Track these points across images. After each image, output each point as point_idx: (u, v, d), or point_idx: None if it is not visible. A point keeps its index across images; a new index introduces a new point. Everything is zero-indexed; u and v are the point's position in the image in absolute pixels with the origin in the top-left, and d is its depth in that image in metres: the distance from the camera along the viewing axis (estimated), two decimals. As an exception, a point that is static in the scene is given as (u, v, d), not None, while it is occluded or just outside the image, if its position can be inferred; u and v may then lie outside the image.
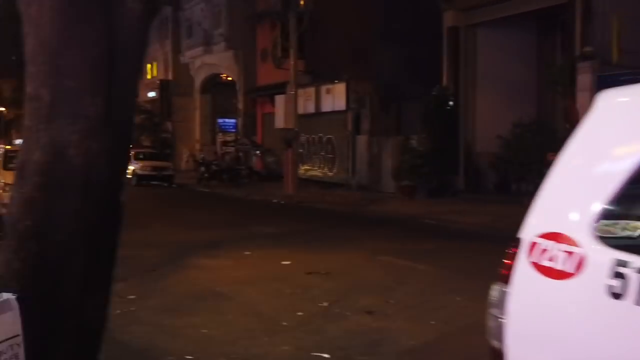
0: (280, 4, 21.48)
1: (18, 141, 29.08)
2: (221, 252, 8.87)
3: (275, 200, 18.14)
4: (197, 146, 34.09)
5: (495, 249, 2.77)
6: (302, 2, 19.61)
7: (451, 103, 17.40)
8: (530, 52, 19.10)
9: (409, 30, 24.93)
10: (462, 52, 17.57)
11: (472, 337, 4.13)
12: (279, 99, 19.92)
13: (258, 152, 26.62)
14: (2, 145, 19.33)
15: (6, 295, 1.77)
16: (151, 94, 36.81)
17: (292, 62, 19.58)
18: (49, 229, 2.52)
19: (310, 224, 12.71)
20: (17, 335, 1.66)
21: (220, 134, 30.64)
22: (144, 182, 24.03)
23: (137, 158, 25.23)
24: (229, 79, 31.25)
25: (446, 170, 17.17)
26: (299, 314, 5.39)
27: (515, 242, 2.05)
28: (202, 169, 24.53)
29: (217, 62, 30.78)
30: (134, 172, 24.34)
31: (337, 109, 21.38)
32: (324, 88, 21.96)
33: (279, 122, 19.84)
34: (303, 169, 22.64)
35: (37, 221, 2.52)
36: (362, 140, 20.42)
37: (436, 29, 24.31)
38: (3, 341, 1.61)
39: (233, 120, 29.21)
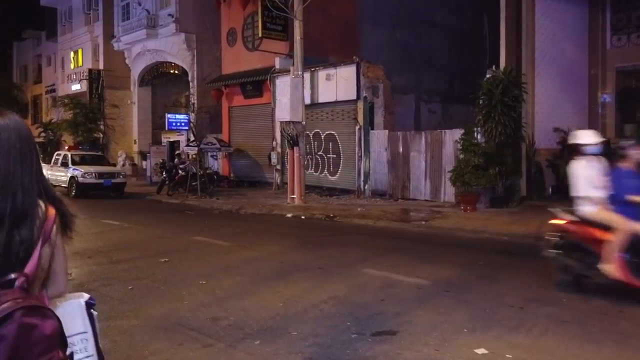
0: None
1: None
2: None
3: (289, 215, 12.86)
4: (135, 147, 27.58)
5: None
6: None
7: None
8: (582, 29, 15.35)
9: (400, 11, 20.69)
10: (524, 26, 13.33)
11: None
12: (282, 85, 14.69)
13: (225, 153, 20.94)
14: None
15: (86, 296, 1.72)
16: (75, 87, 29.54)
17: (298, 37, 14.34)
18: None
19: (407, 255, 7.72)
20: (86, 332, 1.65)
21: (168, 132, 24.38)
22: (86, 192, 17.54)
23: (74, 162, 18.63)
24: (176, 70, 25.14)
25: (511, 171, 12.90)
26: None
27: None
28: (164, 175, 18.53)
29: (162, 48, 24.56)
30: (72, 180, 17.81)
31: (341, 98, 16.43)
32: (322, 74, 16.87)
33: (282, 114, 14.61)
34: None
35: None
36: (379, 135, 15.60)
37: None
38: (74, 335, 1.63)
39: (185, 117, 23.20)
